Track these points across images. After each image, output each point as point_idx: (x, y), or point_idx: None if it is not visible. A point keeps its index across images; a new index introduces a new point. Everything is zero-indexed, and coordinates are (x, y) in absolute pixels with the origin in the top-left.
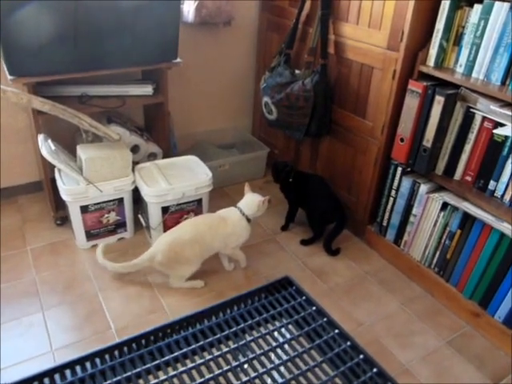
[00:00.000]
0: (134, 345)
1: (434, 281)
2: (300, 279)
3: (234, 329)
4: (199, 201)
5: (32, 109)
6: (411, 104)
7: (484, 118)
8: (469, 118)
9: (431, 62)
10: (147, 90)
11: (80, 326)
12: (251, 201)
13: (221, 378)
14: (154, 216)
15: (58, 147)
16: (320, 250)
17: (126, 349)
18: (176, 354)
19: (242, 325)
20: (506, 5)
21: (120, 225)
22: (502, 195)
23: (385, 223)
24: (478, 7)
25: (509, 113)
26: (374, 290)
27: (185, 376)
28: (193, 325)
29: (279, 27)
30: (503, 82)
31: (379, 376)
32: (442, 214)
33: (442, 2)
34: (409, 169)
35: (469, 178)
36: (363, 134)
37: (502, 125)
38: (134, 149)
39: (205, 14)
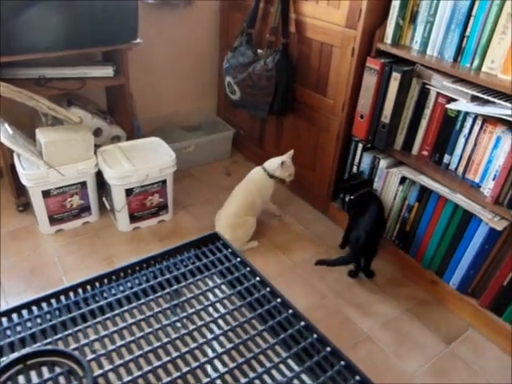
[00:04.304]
0: (79, 290)
1: (394, 252)
2: (266, 256)
3: (167, 276)
4: (163, 182)
5: None
6: (369, 81)
7: (438, 94)
8: (424, 93)
9: (388, 39)
10: (107, 71)
11: None
12: (273, 160)
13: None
14: (118, 198)
15: (15, 131)
16: (284, 228)
17: (72, 294)
18: (119, 295)
19: (176, 273)
20: None
21: (84, 209)
22: (456, 168)
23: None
24: None
25: (460, 88)
26: None
27: (126, 314)
28: (134, 273)
29: (241, 7)
30: (455, 59)
31: (320, 342)
32: (401, 187)
33: None
34: (369, 145)
35: (425, 153)
36: (325, 111)
37: (454, 100)
38: (97, 132)
39: None
